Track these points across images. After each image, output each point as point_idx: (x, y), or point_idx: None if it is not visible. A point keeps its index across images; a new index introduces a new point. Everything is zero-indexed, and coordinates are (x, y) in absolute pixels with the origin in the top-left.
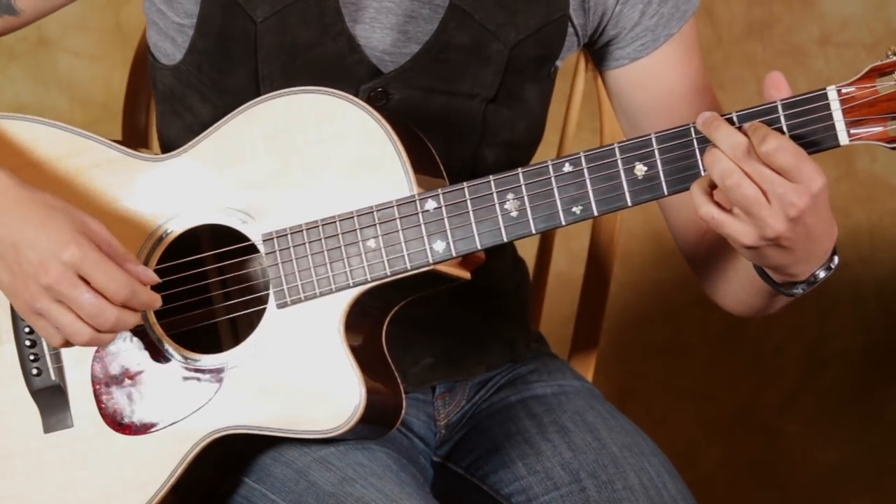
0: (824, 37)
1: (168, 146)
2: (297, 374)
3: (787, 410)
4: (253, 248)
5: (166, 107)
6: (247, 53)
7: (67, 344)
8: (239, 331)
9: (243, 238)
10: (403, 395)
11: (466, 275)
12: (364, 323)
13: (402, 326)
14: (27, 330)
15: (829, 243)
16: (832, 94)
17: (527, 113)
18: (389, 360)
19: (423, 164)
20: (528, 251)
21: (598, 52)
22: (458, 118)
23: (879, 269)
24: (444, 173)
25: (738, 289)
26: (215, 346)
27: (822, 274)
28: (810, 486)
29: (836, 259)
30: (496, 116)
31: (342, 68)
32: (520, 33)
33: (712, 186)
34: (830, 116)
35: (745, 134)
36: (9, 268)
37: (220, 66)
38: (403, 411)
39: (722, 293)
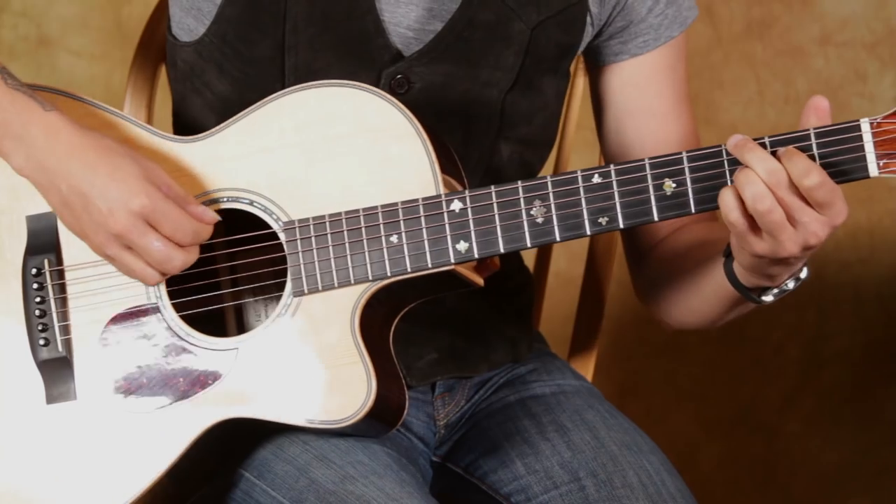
0: (824, 36)
1: (187, 126)
2: (309, 363)
3: (787, 410)
4: (273, 236)
5: (186, 86)
6: (274, 23)
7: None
8: (245, 318)
9: (263, 225)
10: (407, 394)
11: (480, 281)
12: (377, 319)
13: (409, 322)
14: (38, 300)
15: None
16: (865, 126)
17: (543, 107)
18: (395, 358)
19: (447, 166)
20: (528, 251)
21: (598, 46)
22: (477, 108)
23: (879, 269)
24: (464, 177)
25: (694, 297)
26: (220, 331)
27: (791, 284)
28: (810, 486)
29: (805, 270)
30: (514, 108)
31: (366, 50)
32: (541, 14)
33: (741, 199)
34: (862, 148)
35: (778, 159)
36: (76, 216)
37: (247, 34)
38: (406, 410)
39: (671, 301)
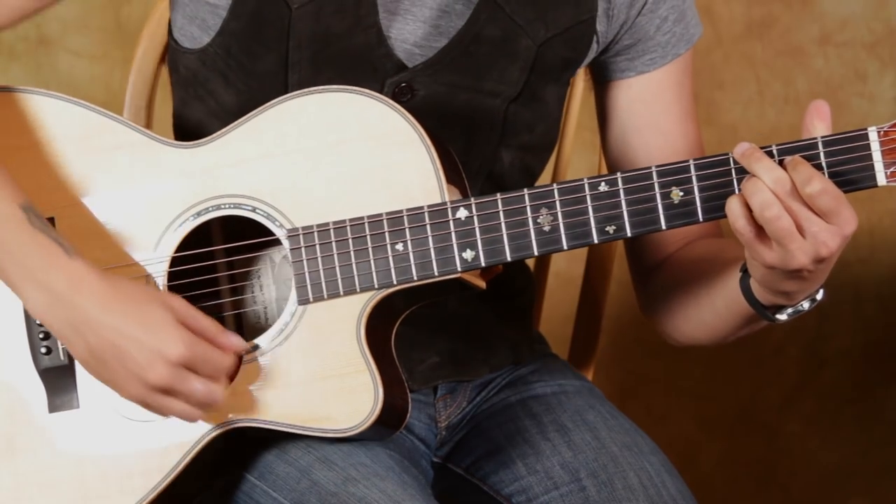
0: (824, 36)
1: (189, 132)
2: (315, 371)
3: (787, 410)
4: (276, 243)
5: (188, 91)
6: (278, 39)
7: None
8: (244, 326)
9: (266, 232)
10: (409, 397)
11: (483, 284)
12: (380, 325)
13: (410, 325)
14: None
15: (826, 277)
16: (873, 134)
17: (546, 116)
18: (397, 362)
19: (450, 173)
20: None
21: (604, 63)
22: (480, 116)
23: (879, 269)
24: (467, 184)
25: (707, 312)
26: None
27: (806, 305)
28: (810, 486)
29: (821, 292)
30: (517, 117)
31: (369, 61)
32: (549, 31)
33: (748, 207)
34: (870, 157)
35: (785, 168)
36: (108, 368)
37: (250, 49)
38: (409, 413)
39: (682, 317)
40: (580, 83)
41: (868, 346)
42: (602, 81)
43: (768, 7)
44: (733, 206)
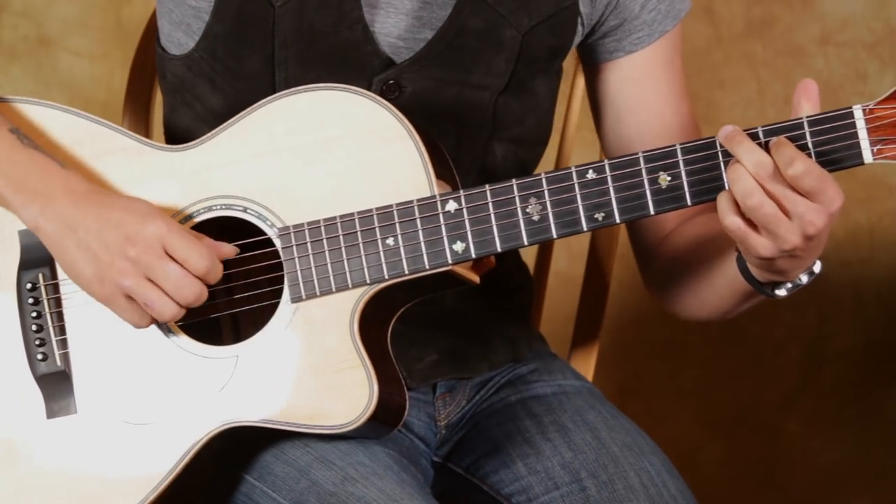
0: (824, 36)
1: (178, 138)
2: (310, 368)
3: (787, 410)
4: (268, 242)
5: (176, 98)
6: (263, 38)
7: (151, 322)
8: (240, 325)
9: (258, 231)
10: (407, 395)
11: (476, 279)
12: (375, 321)
13: (408, 323)
14: (34, 314)
15: (821, 251)
16: (858, 112)
17: (535, 107)
18: (394, 359)
19: (439, 168)
20: (528, 250)
21: (592, 45)
22: (469, 111)
23: (879, 269)
24: (457, 177)
25: (707, 291)
26: (215, 338)
27: (804, 279)
28: (810, 486)
29: (818, 265)
30: (506, 110)
31: (356, 59)
32: (532, 19)
33: (736, 202)
34: (856, 135)
35: (768, 150)
36: (93, 255)
37: (236, 50)
38: (407, 411)
39: (683, 296)
40: (581, 83)
41: (868, 346)
42: (591, 64)
43: (768, 7)
44: (721, 201)
